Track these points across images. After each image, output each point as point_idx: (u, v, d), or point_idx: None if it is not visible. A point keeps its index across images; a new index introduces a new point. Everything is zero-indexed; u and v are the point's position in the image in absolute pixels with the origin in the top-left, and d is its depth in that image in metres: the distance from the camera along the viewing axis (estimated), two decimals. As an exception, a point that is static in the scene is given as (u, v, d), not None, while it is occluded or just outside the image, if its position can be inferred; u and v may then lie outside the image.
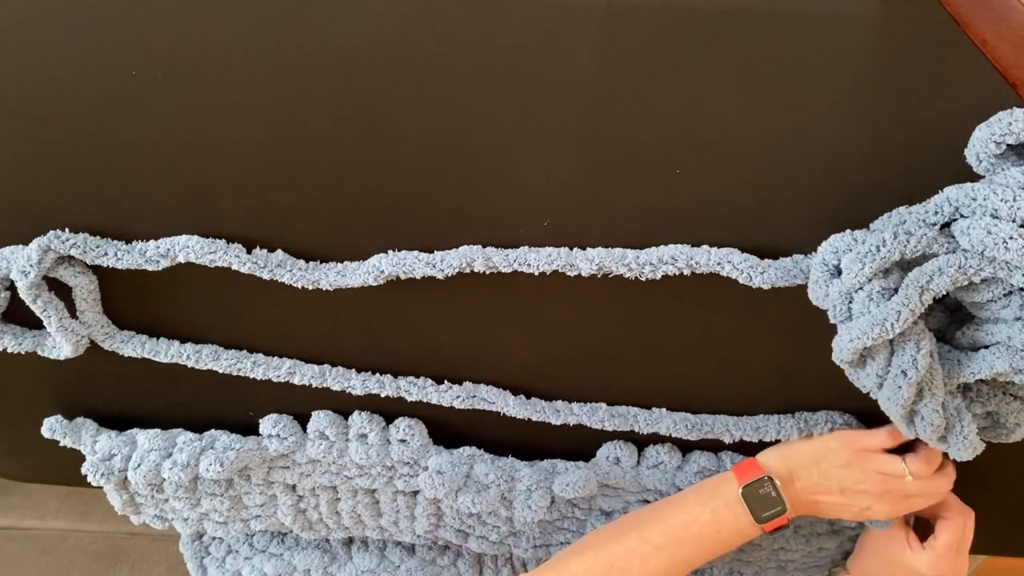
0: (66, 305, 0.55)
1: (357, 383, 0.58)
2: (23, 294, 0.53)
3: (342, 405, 0.61)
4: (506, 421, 0.60)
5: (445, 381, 0.58)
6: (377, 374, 0.58)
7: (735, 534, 0.52)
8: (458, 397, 0.58)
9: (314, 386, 0.58)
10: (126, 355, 0.58)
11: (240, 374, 0.58)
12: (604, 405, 0.58)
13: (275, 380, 0.58)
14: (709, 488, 0.53)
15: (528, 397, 0.59)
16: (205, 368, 0.58)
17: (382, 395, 0.58)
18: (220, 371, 0.58)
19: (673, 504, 0.54)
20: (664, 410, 0.58)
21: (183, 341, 0.58)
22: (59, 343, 0.56)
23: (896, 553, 0.56)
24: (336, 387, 0.58)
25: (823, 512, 0.53)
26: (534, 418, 0.58)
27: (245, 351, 0.58)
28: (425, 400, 0.58)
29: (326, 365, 0.58)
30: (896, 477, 0.51)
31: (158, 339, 0.58)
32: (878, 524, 0.56)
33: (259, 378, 0.58)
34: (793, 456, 0.53)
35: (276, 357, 0.58)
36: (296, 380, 0.58)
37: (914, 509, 0.53)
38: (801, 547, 0.64)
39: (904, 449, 0.53)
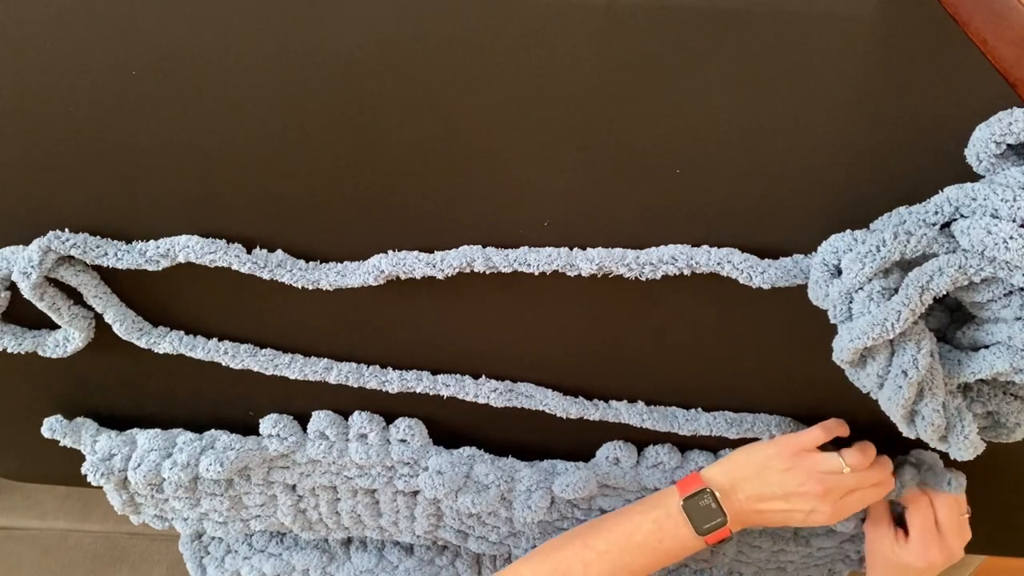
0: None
1: (395, 378, 0.58)
2: (27, 294, 0.53)
3: (342, 405, 0.61)
4: (506, 421, 0.60)
5: (483, 376, 0.58)
6: (415, 371, 0.58)
7: (677, 544, 0.53)
8: (495, 390, 0.57)
9: (351, 384, 0.58)
10: (161, 351, 0.57)
11: (276, 372, 0.58)
12: (643, 404, 0.58)
13: (311, 379, 0.58)
14: (653, 500, 0.55)
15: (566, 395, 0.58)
16: (240, 367, 0.58)
17: (418, 391, 0.58)
18: (256, 369, 0.58)
19: (619, 514, 0.55)
20: (700, 410, 0.58)
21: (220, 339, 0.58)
22: (70, 335, 0.56)
23: (890, 553, 0.57)
24: (373, 384, 0.58)
25: (769, 521, 0.53)
26: (572, 415, 0.58)
27: (280, 350, 0.58)
28: (461, 396, 0.58)
29: (362, 364, 0.58)
30: (834, 473, 0.52)
31: (195, 336, 0.58)
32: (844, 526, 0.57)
33: (295, 376, 0.58)
34: (736, 468, 0.54)
35: (313, 356, 0.58)
36: (332, 378, 0.58)
37: (858, 506, 0.53)
38: (800, 548, 0.64)
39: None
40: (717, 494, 0.52)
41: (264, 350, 0.58)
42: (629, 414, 0.58)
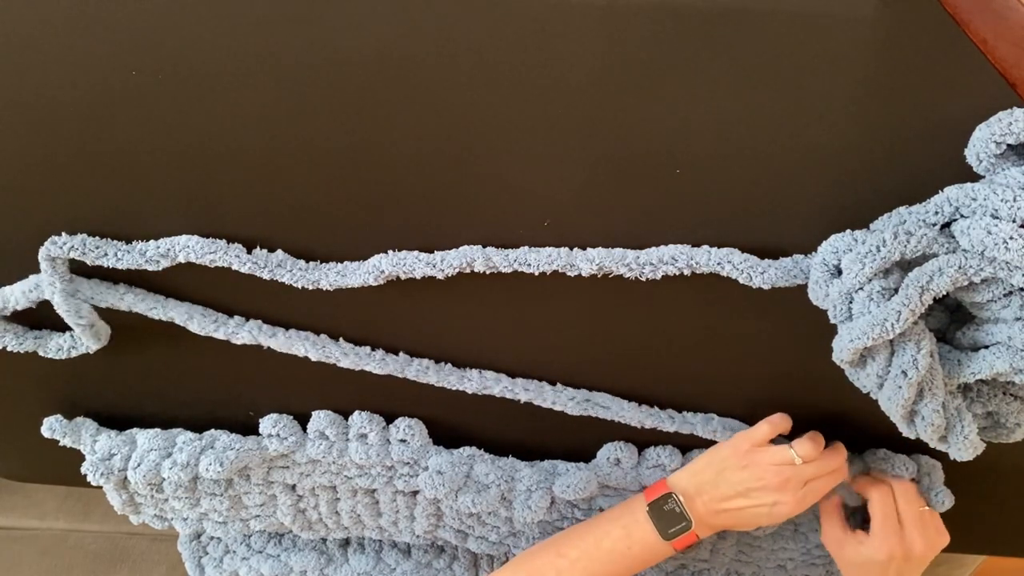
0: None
1: (474, 377, 0.57)
2: (62, 311, 0.53)
3: (342, 405, 0.61)
4: (506, 421, 0.60)
5: (558, 383, 0.58)
6: (492, 372, 0.57)
7: (645, 550, 0.54)
8: (572, 399, 0.57)
9: (430, 381, 0.57)
10: (239, 343, 0.56)
11: (357, 366, 0.56)
12: (716, 416, 0.58)
13: (394, 374, 0.57)
14: (623, 507, 0.56)
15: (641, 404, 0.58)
16: (321, 358, 0.56)
17: (495, 393, 0.57)
18: (331, 360, 0.56)
19: (591, 522, 0.57)
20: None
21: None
22: (80, 341, 0.56)
23: (852, 554, 0.57)
24: (451, 381, 0.57)
25: (736, 522, 0.54)
26: (647, 425, 0.58)
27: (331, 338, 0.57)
28: (538, 402, 0.57)
29: (441, 361, 0.58)
30: (788, 464, 0.52)
31: (274, 325, 0.56)
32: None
33: (373, 371, 0.56)
34: (698, 472, 0.55)
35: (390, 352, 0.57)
36: (411, 374, 0.57)
37: (819, 494, 0.54)
38: (800, 545, 0.64)
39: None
40: (681, 499, 0.54)
41: (340, 340, 0.57)
42: (704, 428, 0.58)
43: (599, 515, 0.58)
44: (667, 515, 0.54)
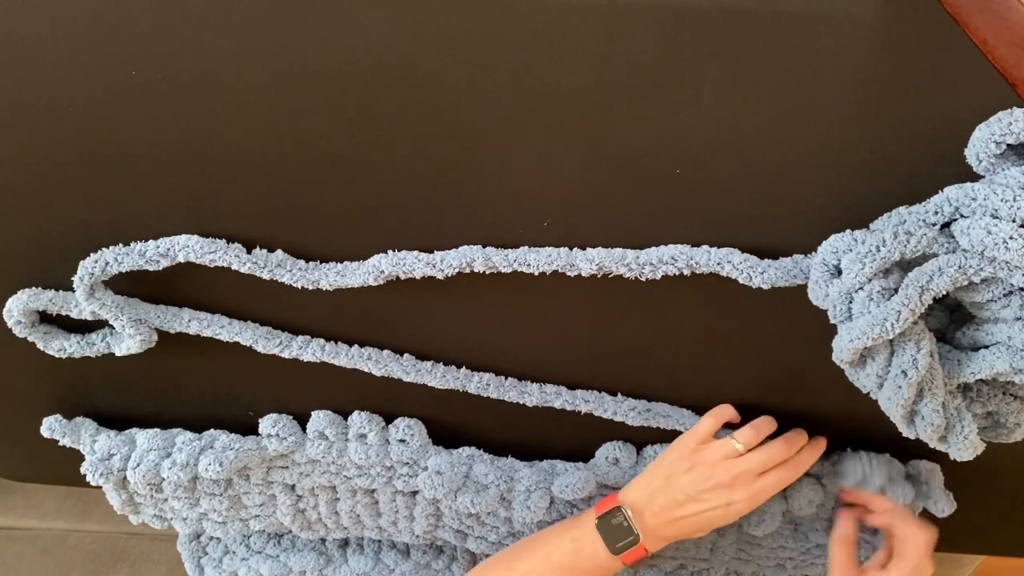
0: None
1: (534, 391, 0.57)
2: (132, 340, 0.55)
3: (341, 405, 0.61)
4: (505, 421, 0.60)
5: (619, 394, 0.58)
6: (553, 385, 0.57)
7: (594, 564, 0.54)
8: (633, 409, 0.57)
9: (491, 395, 0.57)
10: (305, 360, 0.56)
11: (417, 380, 0.57)
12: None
13: (453, 387, 0.57)
14: (573, 520, 0.56)
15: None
16: (383, 374, 0.57)
17: (556, 406, 0.57)
18: (398, 375, 0.56)
19: (543, 534, 0.57)
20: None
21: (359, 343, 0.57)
22: (128, 343, 0.56)
23: None
24: (513, 396, 0.57)
25: (692, 527, 0.53)
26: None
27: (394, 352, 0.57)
28: (599, 414, 0.57)
29: (502, 375, 0.57)
30: (734, 457, 0.52)
31: (337, 343, 0.56)
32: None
33: (435, 384, 0.56)
34: (648, 483, 0.54)
35: (428, 361, 0.57)
36: (472, 388, 0.57)
37: (774, 489, 0.52)
38: (800, 544, 0.64)
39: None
40: (629, 512, 0.53)
41: (405, 356, 0.57)
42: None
43: (550, 528, 0.57)
44: (615, 529, 0.53)
